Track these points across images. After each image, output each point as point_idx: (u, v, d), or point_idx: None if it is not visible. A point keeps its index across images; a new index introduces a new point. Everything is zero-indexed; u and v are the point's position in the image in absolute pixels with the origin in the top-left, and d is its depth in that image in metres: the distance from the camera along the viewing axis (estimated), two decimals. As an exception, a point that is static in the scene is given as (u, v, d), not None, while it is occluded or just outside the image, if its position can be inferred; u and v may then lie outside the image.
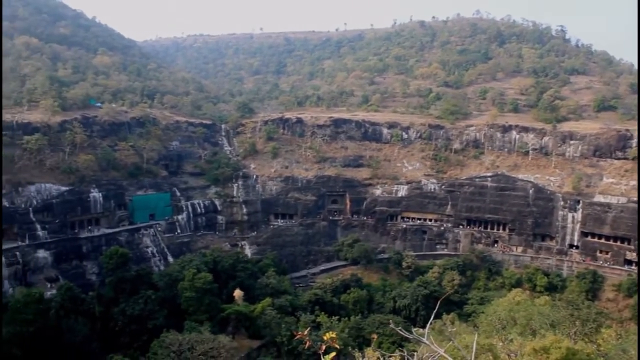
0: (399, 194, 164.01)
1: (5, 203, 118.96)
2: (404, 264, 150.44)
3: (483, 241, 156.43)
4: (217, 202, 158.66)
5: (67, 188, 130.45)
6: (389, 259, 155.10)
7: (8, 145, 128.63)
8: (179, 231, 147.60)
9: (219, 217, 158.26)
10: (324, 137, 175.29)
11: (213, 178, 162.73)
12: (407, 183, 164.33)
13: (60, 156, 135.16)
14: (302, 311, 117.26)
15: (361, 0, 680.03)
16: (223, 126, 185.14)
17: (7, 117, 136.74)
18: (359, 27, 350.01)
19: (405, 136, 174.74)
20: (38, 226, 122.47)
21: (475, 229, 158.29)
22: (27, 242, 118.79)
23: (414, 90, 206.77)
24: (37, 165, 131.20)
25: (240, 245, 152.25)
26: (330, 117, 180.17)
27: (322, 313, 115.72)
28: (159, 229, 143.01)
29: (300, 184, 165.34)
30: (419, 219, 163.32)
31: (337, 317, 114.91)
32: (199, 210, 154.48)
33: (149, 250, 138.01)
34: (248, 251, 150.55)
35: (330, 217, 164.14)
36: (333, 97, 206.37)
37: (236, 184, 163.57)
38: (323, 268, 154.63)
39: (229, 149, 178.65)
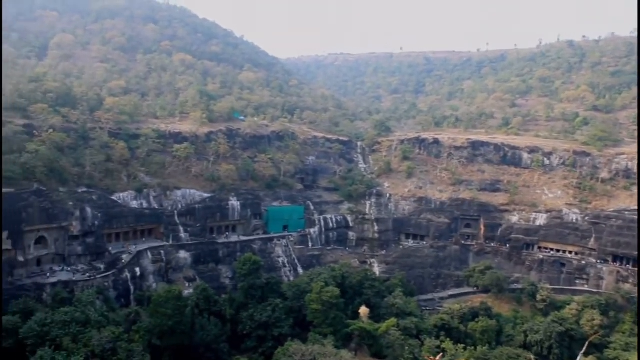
0: (537, 223, 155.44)
1: (154, 205, 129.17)
2: (539, 297, 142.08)
3: (631, 280, 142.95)
4: (349, 218, 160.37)
5: (209, 195, 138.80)
6: (522, 290, 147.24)
7: (161, 152, 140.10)
8: (310, 244, 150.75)
9: (350, 233, 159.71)
10: (461, 159, 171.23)
11: (347, 194, 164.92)
12: (547, 211, 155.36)
13: (204, 165, 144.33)
14: (427, 335, 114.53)
15: (505, 20, 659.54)
16: (359, 143, 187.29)
17: (161, 126, 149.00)
18: (502, 47, 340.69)
19: (547, 162, 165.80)
20: (181, 228, 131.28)
21: (622, 266, 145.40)
22: (171, 242, 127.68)
23: (559, 114, 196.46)
24: (184, 172, 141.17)
25: (369, 262, 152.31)
26: (468, 138, 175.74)
27: (448, 339, 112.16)
28: (291, 240, 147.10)
29: (434, 205, 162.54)
30: (558, 251, 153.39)
31: (462, 345, 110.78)
32: (331, 225, 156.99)
33: (280, 260, 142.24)
34: (377, 269, 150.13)
35: (463, 242, 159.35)
36: (472, 118, 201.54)
37: (369, 202, 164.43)
38: (452, 293, 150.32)
39: (364, 166, 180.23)
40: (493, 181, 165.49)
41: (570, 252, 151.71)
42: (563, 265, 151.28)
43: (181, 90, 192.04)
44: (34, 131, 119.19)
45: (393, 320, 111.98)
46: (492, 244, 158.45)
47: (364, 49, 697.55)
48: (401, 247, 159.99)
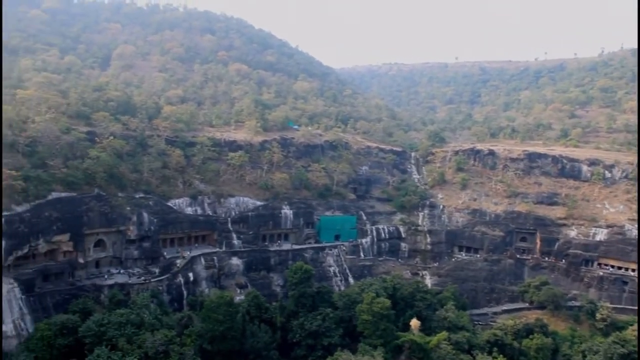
0: (597, 238, 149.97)
1: (208, 211, 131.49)
2: (598, 316, 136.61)
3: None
4: (401, 229, 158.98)
5: (262, 203, 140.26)
6: (581, 307, 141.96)
7: (216, 160, 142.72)
8: (361, 254, 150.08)
9: (402, 244, 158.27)
10: (517, 171, 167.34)
11: (399, 205, 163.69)
12: (608, 227, 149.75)
13: (258, 173, 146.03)
14: (479, 351, 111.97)
15: (564, 28, 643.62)
16: (413, 154, 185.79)
17: (216, 134, 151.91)
18: (561, 56, 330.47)
19: (608, 175, 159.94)
20: (234, 235, 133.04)
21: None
22: (223, 248, 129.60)
23: (621, 125, 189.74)
24: (238, 179, 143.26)
25: (421, 274, 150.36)
26: (525, 150, 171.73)
27: (501, 356, 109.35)
28: (343, 249, 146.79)
29: (488, 217, 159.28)
30: (619, 268, 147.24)
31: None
32: (383, 235, 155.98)
33: (332, 269, 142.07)
34: (428, 281, 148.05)
35: (518, 256, 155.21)
36: (529, 129, 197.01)
37: (422, 213, 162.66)
38: (505, 308, 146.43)
39: (417, 177, 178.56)
40: (550, 194, 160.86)
41: (634, 270, 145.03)
42: (625, 283, 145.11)
43: (236, 99, 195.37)
44: (96, 138, 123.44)
45: (444, 333, 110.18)
46: (549, 259, 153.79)
47: (418, 58, 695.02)
48: (454, 259, 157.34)
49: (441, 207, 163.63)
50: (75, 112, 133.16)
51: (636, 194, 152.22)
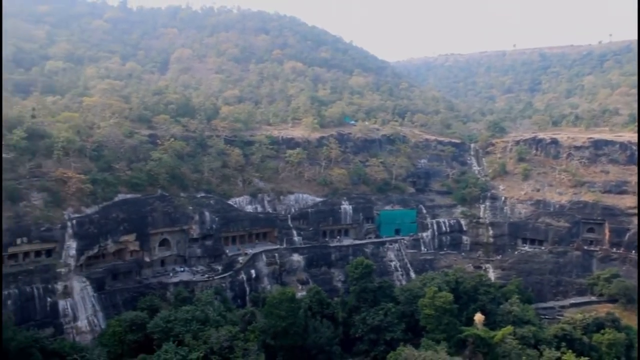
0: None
1: (268, 209, 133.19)
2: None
3: None
4: (462, 222, 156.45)
5: (321, 199, 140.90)
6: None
7: (274, 158, 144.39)
8: (422, 248, 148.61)
9: (464, 237, 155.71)
10: (582, 160, 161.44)
11: (460, 197, 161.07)
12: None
13: (316, 169, 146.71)
14: (546, 345, 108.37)
15: (631, 7, 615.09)
16: (472, 145, 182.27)
17: (274, 132, 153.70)
18: (628, 37, 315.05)
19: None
20: (294, 232, 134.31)
21: None
22: (284, 245, 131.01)
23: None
24: (296, 176, 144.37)
25: (483, 267, 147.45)
26: (590, 137, 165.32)
27: (569, 351, 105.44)
28: (404, 244, 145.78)
29: (553, 208, 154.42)
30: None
31: (586, 357, 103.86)
32: (443, 228, 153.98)
33: (392, 264, 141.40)
34: (492, 275, 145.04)
35: (585, 247, 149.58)
36: (593, 116, 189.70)
37: (483, 205, 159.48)
38: (573, 302, 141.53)
39: (478, 168, 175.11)
40: (619, 182, 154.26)
41: None
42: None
43: (293, 97, 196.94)
44: (158, 140, 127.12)
45: (509, 328, 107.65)
46: (619, 250, 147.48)
47: (474, 48, 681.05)
48: (517, 252, 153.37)
49: (503, 198, 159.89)
50: (137, 116, 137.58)
51: None
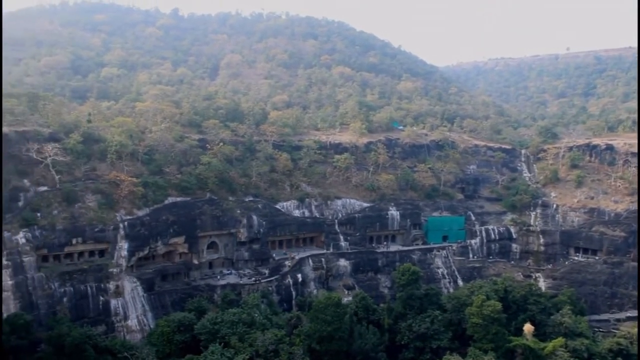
0: None
1: (316, 214, 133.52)
2: None
3: None
4: (512, 230, 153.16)
5: (369, 204, 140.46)
6: None
7: (322, 163, 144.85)
8: (470, 255, 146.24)
9: (514, 246, 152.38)
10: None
11: (510, 204, 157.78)
12: None
13: (364, 174, 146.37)
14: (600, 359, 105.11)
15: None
16: (523, 151, 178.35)
17: (322, 137, 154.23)
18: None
19: None
20: (341, 237, 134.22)
21: None
22: (331, 250, 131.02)
23: None
24: (344, 181, 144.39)
25: (534, 277, 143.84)
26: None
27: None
28: (452, 251, 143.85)
29: (607, 217, 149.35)
30: None
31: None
32: (492, 236, 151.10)
33: (440, 271, 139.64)
34: (542, 284, 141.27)
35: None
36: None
37: (534, 212, 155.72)
38: (630, 315, 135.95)
39: (528, 175, 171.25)
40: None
41: None
42: None
43: (341, 102, 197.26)
44: (207, 145, 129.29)
45: (561, 339, 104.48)
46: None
47: (526, 51, 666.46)
48: (569, 261, 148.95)
49: (554, 206, 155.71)
50: (188, 120, 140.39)
51: None
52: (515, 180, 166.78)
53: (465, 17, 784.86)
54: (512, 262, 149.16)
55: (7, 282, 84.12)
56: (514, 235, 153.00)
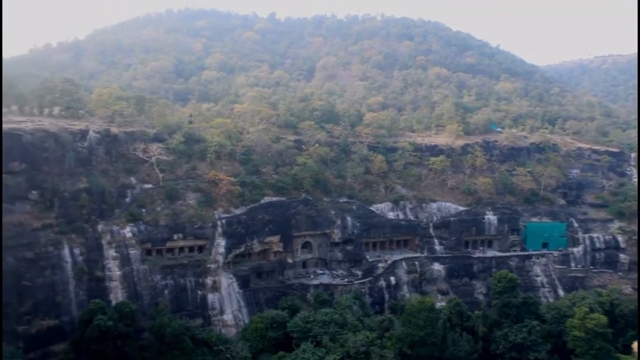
0: None
1: (410, 216, 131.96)
2: None
3: None
4: (619, 239, 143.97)
5: (465, 208, 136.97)
6: None
7: (417, 165, 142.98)
8: (572, 264, 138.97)
9: (621, 255, 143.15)
10: None
11: (617, 211, 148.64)
12: None
13: (460, 177, 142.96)
14: None
15: None
16: (633, 155, 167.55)
17: (417, 139, 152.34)
18: None
19: None
20: (436, 241, 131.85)
21: None
22: (425, 254, 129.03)
23: None
24: (439, 184, 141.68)
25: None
26: None
27: None
28: (552, 259, 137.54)
29: None
30: None
31: None
32: (597, 244, 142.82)
33: (539, 279, 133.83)
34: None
35: None
36: None
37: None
38: None
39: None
40: None
41: None
42: None
43: (437, 103, 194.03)
44: (303, 146, 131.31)
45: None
46: None
47: (637, 48, 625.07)
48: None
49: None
50: (284, 122, 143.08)
51: None
52: (623, 185, 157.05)
53: (567, 13, 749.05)
54: (620, 273, 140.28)
55: (116, 272, 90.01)
56: (622, 245, 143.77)
